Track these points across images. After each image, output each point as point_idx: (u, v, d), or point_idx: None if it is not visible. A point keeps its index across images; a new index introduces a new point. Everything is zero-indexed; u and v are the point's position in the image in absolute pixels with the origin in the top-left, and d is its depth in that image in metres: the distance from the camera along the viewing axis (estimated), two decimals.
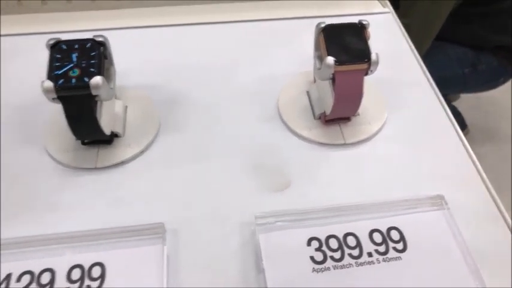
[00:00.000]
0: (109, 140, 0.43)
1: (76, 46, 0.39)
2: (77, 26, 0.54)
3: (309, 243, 0.36)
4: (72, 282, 0.34)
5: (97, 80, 0.37)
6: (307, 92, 0.49)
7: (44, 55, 0.52)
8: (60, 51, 0.39)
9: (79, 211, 0.39)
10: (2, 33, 0.54)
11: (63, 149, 0.43)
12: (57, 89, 0.37)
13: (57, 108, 0.42)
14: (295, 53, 0.53)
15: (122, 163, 0.43)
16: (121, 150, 0.43)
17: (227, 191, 0.41)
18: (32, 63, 0.51)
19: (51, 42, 0.39)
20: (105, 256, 0.35)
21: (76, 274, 0.34)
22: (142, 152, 0.44)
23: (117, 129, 0.43)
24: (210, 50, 0.53)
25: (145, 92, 0.48)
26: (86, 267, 0.34)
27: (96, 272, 0.34)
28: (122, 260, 0.35)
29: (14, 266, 0.34)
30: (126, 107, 0.46)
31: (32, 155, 0.43)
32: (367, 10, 0.62)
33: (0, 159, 0.43)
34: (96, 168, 0.42)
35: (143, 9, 0.56)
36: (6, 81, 0.50)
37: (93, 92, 0.37)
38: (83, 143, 0.43)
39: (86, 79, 0.37)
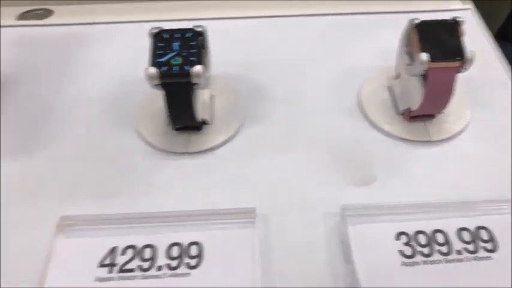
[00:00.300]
0: (199, 126, 0.45)
1: (177, 35, 0.41)
2: (162, 16, 0.57)
3: (397, 237, 0.37)
4: (172, 258, 0.36)
5: (198, 68, 0.39)
6: (389, 87, 0.50)
7: (136, 42, 0.55)
8: (162, 39, 0.41)
9: (173, 193, 0.42)
10: (97, 21, 0.57)
11: (155, 132, 0.45)
12: (161, 75, 0.39)
13: (148, 94, 0.45)
14: (375, 48, 0.54)
15: (211, 149, 0.45)
16: (210, 137, 0.45)
17: (311, 181, 0.42)
18: (124, 50, 0.54)
19: (154, 31, 0.41)
20: (201, 236, 0.37)
21: (175, 251, 0.36)
22: (229, 140, 0.45)
23: (206, 117, 0.45)
24: (292, 42, 0.54)
25: (230, 82, 0.50)
26: (184, 245, 0.36)
27: (193, 250, 0.36)
28: (217, 240, 0.37)
29: (117, 240, 0.37)
30: (213, 95, 0.48)
31: (125, 137, 0.46)
32: (447, 6, 0.61)
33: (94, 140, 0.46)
34: (187, 153, 0.44)
35: (229, 2, 0.58)
36: (101, 66, 0.52)
37: (194, 80, 0.39)
38: (174, 129, 0.45)
39: (187, 67, 0.39)
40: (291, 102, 0.49)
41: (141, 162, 0.44)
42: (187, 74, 0.39)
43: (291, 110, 0.48)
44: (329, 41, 0.54)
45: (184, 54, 0.40)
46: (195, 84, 0.39)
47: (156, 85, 0.39)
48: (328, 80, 0.51)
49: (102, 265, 0.35)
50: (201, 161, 0.44)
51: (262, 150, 0.45)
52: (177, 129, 0.45)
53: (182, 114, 0.42)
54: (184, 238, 0.37)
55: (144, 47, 0.52)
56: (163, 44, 0.40)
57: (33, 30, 0.57)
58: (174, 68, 0.39)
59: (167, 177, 0.43)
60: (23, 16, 0.59)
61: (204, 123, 0.45)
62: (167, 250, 0.36)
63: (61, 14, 0.59)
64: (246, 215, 0.38)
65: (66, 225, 0.38)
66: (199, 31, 0.41)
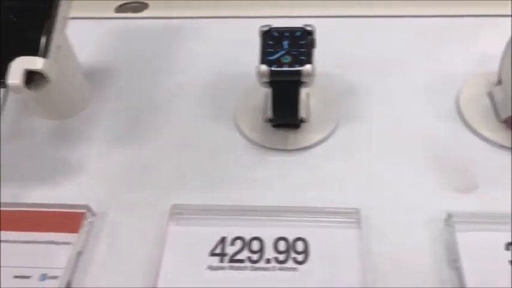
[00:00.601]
0: (297, 124, 0.46)
1: (286, 34, 0.42)
2: (254, 12, 0.58)
3: (507, 247, 0.36)
4: (279, 252, 0.37)
5: (308, 68, 0.39)
6: (489, 93, 0.48)
7: (231, 37, 0.57)
8: (272, 37, 0.41)
9: (273, 188, 0.43)
10: (193, 15, 0.58)
11: (253, 128, 0.47)
12: (271, 73, 0.40)
13: (246, 89, 0.47)
14: (474, 52, 0.52)
15: (309, 147, 0.45)
16: (307, 135, 0.46)
17: (410, 184, 0.42)
18: (220, 45, 0.56)
19: (264, 29, 0.42)
20: (307, 233, 0.38)
21: (282, 246, 0.37)
22: (326, 139, 0.46)
23: (304, 115, 0.46)
24: (388, 42, 0.54)
25: (325, 81, 0.50)
26: (290, 240, 0.37)
27: (299, 246, 0.37)
28: (322, 238, 0.38)
29: (226, 230, 0.38)
30: (309, 93, 0.49)
31: (224, 130, 0.47)
32: None
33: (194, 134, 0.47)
34: (286, 150, 0.45)
35: (324, 2, 0.58)
36: (198, 60, 0.54)
37: (303, 79, 0.40)
38: (273, 125, 0.46)
39: (297, 66, 0.40)
40: (387, 103, 0.49)
41: (241, 156, 0.45)
42: (298, 73, 0.39)
43: (387, 110, 0.48)
44: (426, 42, 0.54)
45: (293, 53, 0.40)
46: (303, 83, 0.40)
47: (264, 82, 0.40)
48: (425, 82, 0.50)
49: (213, 254, 0.37)
50: (299, 159, 0.45)
51: (358, 150, 0.45)
52: (275, 126, 0.46)
53: (286, 112, 0.43)
54: (290, 233, 0.38)
55: (239, 41, 0.54)
56: (272, 42, 0.41)
57: (131, 23, 0.59)
58: (285, 67, 0.40)
59: (267, 173, 0.44)
60: (120, 9, 0.62)
61: (301, 121, 0.46)
62: (274, 244, 0.37)
63: (156, 7, 0.61)
64: (351, 215, 0.39)
65: (177, 213, 0.39)
66: (309, 30, 0.42)
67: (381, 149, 0.45)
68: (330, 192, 0.42)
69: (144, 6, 0.62)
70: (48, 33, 0.39)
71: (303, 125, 0.46)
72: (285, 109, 0.43)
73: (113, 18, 0.60)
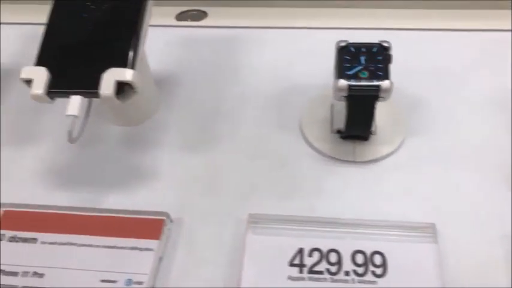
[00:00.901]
0: (365, 136, 0.46)
1: (363, 49, 0.42)
2: (311, 23, 0.59)
3: None
4: (358, 265, 0.38)
5: (387, 84, 0.40)
6: None
7: (291, 47, 0.57)
8: (349, 53, 0.42)
9: (343, 200, 0.43)
10: (253, 25, 0.59)
11: (321, 139, 0.47)
12: (350, 88, 0.40)
13: (312, 100, 0.49)
14: None
15: (377, 159, 0.46)
16: (375, 148, 0.46)
17: (484, 199, 0.43)
18: (281, 54, 0.56)
19: (342, 44, 0.42)
20: (384, 246, 0.38)
21: (360, 259, 0.38)
22: (394, 151, 0.46)
23: (372, 127, 0.46)
24: (454, 56, 0.54)
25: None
26: (368, 253, 0.38)
27: (377, 259, 0.38)
28: (399, 252, 0.38)
29: (303, 241, 0.39)
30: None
31: (291, 141, 0.48)
32: None
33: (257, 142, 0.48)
34: (354, 162, 0.46)
35: (383, 11, 0.59)
36: (261, 70, 0.55)
37: (381, 95, 0.40)
38: (341, 137, 0.47)
39: (376, 82, 0.40)
40: (453, 116, 0.49)
41: (309, 167, 0.46)
42: (377, 88, 0.40)
43: (454, 123, 0.48)
44: (492, 56, 0.54)
45: (371, 68, 0.41)
46: (380, 97, 0.41)
47: (341, 97, 0.41)
48: (490, 97, 0.51)
49: (292, 264, 0.38)
50: (368, 171, 0.45)
51: (428, 164, 0.45)
52: (343, 137, 0.47)
53: (361, 125, 0.43)
54: (368, 247, 0.38)
55: (299, 51, 0.55)
56: (349, 57, 0.42)
57: (193, 32, 0.60)
58: (362, 82, 0.40)
59: (336, 184, 0.45)
60: (180, 17, 0.63)
61: (369, 133, 0.47)
62: (352, 256, 0.38)
63: (215, 16, 0.62)
64: (427, 230, 0.39)
65: (254, 222, 0.40)
66: (385, 46, 0.42)
67: (450, 162, 0.45)
68: (401, 206, 0.43)
69: (203, 15, 0.63)
70: (136, 45, 0.40)
71: (371, 137, 0.47)
72: (359, 122, 0.43)
73: (175, 26, 0.61)
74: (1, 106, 0.53)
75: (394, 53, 0.55)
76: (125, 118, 0.49)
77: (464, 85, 0.51)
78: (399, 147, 0.47)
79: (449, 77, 0.52)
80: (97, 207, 0.43)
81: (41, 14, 0.43)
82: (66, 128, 0.40)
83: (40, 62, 0.40)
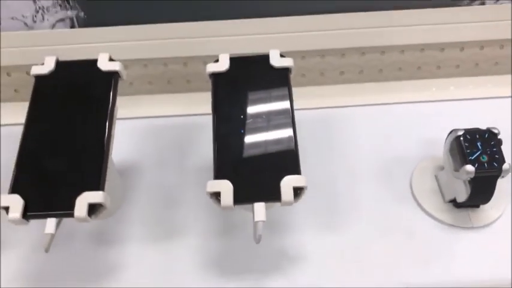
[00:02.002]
0: (478, 204, 0.54)
1: (477, 136, 0.50)
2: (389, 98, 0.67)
3: None
4: None
5: (507, 166, 0.48)
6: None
7: (378, 125, 0.64)
8: (466, 140, 0.50)
9: (476, 265, 0.51)
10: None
11: (439, 209, 0.55)
12: (477, 171, 0.48)
13: (418, 172, 0.57)
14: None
15: (491, 224, 0.54)
16: (487, 213, 0.54)
17: None
18: (372, 131, 0.64)
19: (460, 133, 0.50)
20: None
21: None
22: (501, 216, 0.54)
23: None
24: None
25: None
26: None
27: None
28: None
29: None
30: None
31: (409, 212, 0.56)
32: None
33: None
34: (472, 228, 0.54)
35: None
36: (359, 145, 0.63)
37: (503, 175, 0.48)
38: (454, 206, 0.55)
39: (496, 164, 0.48)
40: None
41: (437, 235, 0.53)
42: (499, 170, 0.48)
43: None
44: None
45: (488, 152, 0.49)
46: (501, 176, 0.49)
47: (468, 179, 0.49)
48: None
49: None
50: (484, 235, 0.53)
51: None
52: (457, 207, 0.55)
53: (483, 198, 0.51)
54: None
55: (385, 127, 0.63)
56: (468, 144, 0.50)
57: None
58: (486, 165, 0.49)
59: (463, 250, 0.52)
60: None
61: None
62: None
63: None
64: None
65: None
66: (495, 132, 0.51)
67: None
68: None
69: None
70: (105, 169, 0.46)
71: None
72: (482, 196, 0.51)
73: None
74: None
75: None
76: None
77: None
78: (504, 211, 0.55)
79: None
80: None
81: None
82: (43, 245, 0.45)
83: (14, 189, 0.45)
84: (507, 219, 0.54)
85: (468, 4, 0.64)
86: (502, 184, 0.56)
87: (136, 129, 0.66)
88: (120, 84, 0.51)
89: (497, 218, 0.54)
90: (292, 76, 0.53)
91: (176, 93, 0.71)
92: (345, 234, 0.54)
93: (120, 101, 0.52)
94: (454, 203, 0.55)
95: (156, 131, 0.66)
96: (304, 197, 0.57)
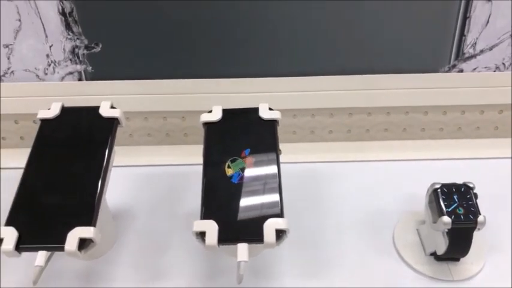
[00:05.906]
0: (458, 258, 0.56)
1: (453, 189, 0.53)
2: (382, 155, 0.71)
3: None
4: None
5: (482, 218, 0.50)
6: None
7: (363, 180, 0.67)
8: (443, 193, 0.53)
9: None
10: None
11: (419, 261, 0.56)
12: (454, 222, 0.50)
13: (399, 226, 0.58)
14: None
15: (470, 278, 0.55)
16: (466, 267, 0.56)
17: None
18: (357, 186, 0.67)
19: (437, 186, 0.53)
20: None
21: None
22: (480, 271, 0.56)
23: None
24: None
25: None
26: None
27: None
28: None
29: None
30: None
31: (390, 263, 0.57)
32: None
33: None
34: (453, 280, 0.55)
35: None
36: (344, 199, 0.65)
37: (478, 227, 0.50)
38: (437, 259, 0.56)
39: (472, 217, 0.51)
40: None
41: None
42: (475, 222, 0.50)
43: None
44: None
45: (464, 205, 0.52)
46: (477, 229, 0.51)
47: (445, 230, 0.51)
48: None
49: None
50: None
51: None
52: (437, 259, 0.56)
53: (460, 250, 0.53)
54: None
55: (370, 183, 0.66)
56: (445, 197, 0.52)
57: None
58: (462, 217, 0.51)
59: None
60: None
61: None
62: None
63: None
64: None
65: None
66: (471, 187, 0.53)
67: None
68: None
69: None
70: (98, 206, 0.48)
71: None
72: (459, 248, 0.53)
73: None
74: None
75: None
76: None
77: None
78: (484, 265, 0.56)
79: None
80: None
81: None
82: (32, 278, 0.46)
83: (10, 222, 0.47)
84: (486, 274, 0.55)
85: (448, 71, 0.70)
86: (480, 238, 0.58)
87: (133, 176, 0.69)
88: (120, 135, 0.55)
89: (477, 273, 0.55)
90: (283, 133, 0.56)
91: (173, 145, 0.75)
92: (328, 283, 0.55)
93: (120, 151, 0.56)
94: (435, 256, 0.56)
95: (151, 178, 0.69)
96: (290, 245, 0.59)
